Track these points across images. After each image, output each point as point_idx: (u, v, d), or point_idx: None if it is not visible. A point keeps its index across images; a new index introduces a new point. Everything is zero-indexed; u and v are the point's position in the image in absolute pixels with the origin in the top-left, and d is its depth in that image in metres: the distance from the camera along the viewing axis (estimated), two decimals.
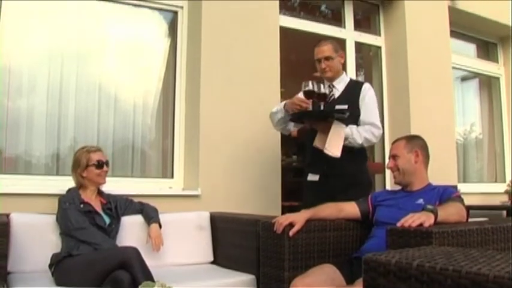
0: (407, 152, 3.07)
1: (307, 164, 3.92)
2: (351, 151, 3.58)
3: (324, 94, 3.54)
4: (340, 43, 5.60)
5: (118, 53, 4.52)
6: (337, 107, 3.66)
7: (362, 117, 3.69)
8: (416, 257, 1.28)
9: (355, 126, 3.62)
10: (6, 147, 3.99)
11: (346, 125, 3.56)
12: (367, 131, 3.63)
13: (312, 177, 3.77)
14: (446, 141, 5.84)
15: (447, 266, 1.16)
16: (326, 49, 3.77)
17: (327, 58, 3.76)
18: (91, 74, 4.36)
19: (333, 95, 3.79)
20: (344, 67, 4.10)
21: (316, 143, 3.61)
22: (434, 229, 2.30)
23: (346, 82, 3.86)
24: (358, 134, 3.59)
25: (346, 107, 3.60)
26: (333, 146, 3.48)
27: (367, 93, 3.77)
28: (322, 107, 3.56)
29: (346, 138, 3.54)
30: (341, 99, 3.75)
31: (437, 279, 1.16)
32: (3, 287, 2.77)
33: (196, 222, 3.93)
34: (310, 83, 3.50)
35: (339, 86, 3.83)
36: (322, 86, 3.54)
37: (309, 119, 3.68)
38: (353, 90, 3.79)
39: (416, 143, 3.13)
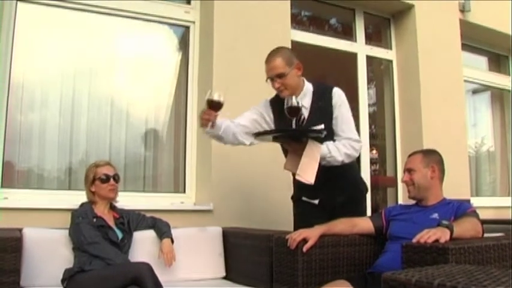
0: (423, 167, 3.03)
1: (296, 186, 3.53)
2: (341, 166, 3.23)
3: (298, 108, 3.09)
4: (352, 57, 5.62)
5: (130, 68, 4.54)
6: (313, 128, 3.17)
7: (337, 130, 3.24)
8: (437, 276, 1.26)
9: (331, 142, 3.18)
10: (18, 162, 4.01)
11: (322, 141, 3.12)
12: (346, 146, 3.19)
13: (309, 199, 3.47)
14: (459, 155, 5.81)
15: (469, 286, 1.14)
16: (277, 64, 3.19)
17: (280, 75, 3.18)
18: (103, 88, 4.39)
19: (301, 115, 3.24)
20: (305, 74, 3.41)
21: (287, 166, 3.25)
22: (451, 245, 2.28)
23: (311, 92, 3.32)
24: (337, 151, 3.15)
25: (322, 127, 3.09)
26: (307, 172, 3.05)
27: (340, 101, 3.28)
28: (294, 125, 3.12)
29: (323, 158, 3.10)
30: (312, 117, 3.26)
31: None
32: None
33: (195, 242, 3.88)
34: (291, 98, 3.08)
35: (305, 101, 3.27)
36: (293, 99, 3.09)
37: (279, 138, 3.26)
38: (322, 100, 3.28)
39: (433, 158, 3.08)
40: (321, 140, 3.10)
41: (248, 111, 3.46)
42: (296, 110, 3.06)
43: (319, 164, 3.07)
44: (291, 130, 3.14)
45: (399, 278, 1.29)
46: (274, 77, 3.19)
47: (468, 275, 1.26)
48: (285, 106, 3.07)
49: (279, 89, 3.22)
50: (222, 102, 3.10)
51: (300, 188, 3.44)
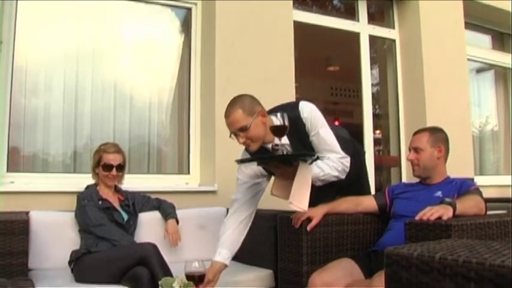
0: (430, 146, 2.99)
1: None
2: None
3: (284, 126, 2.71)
4: (354, 37, 5.61)
5: (132, 51, 4.55)
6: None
7: (321, 151, 2.96)
8: (438, 249, 1.28)
9: (319, 161, 2.93)
10: (23, 146, 4.04)
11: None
12: (337, 162, 2.95)
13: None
14: (463, 134, 5.80)
15: (470, 259, 1.15)
16: (237, 117, 2.78)
17: (242, 129, 2.78)
18: (106, 72, 4.40)
19: (286, 153, 2.94)
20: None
21: (275, 191, 2.88)
22: (453, 222, 2.30)
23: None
24: (329, 168, 2.91)
25: (314, 157, 2.84)
26: (300, 200, 2.73)
27: (309, 123, 2.94)
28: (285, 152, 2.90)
29: (317, 178, 2.87)
30: (298, 149, 2.97)
31: (460, 272, 1.16)
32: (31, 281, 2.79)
33: (201, 220, 3.92)
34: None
35: (283, 139, 2.84)
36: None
37: (267, 163, 2.90)
38: (297, 130, 2.92)
39: (440, 137, 3.05)
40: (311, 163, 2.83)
41: (239, 187, 3.17)
42: (282, 129, 2.72)
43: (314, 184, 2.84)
44: (278, 156, 2.84)
45: (401, 252, 1.30)
46: (237, 131, 2.80)
47: (470, 249, 1.28)
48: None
49: (245, 144, 2.86)
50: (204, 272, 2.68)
51: None
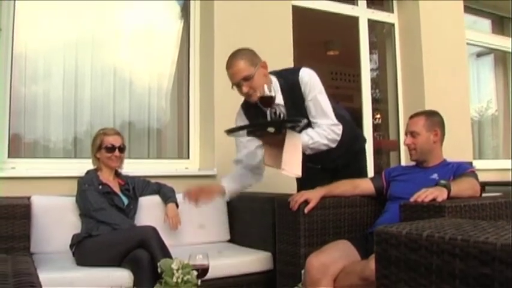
0: (426, 131, 3.01)
1: None
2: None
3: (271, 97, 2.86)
4: (354, 21, 5.61)
5: (132, 37, 4.56)
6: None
7: (313, 117, 3.03)
8: (427, 228, 1.32)
9: (310, 129, 2.98)
10: (24, 133, 4.07)
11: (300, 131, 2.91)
12: (327, 131, 3.00)
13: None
14: (462, 118, 5.81)
15: (456, 236, 1.19)
16: (241, 67, 2.91)
17: (246, 78, 2.90)
18: (106, 58, 4.41)
19: (279, 114, 3.08)
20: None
21: (268, 161, 2.94)
22: (447, 203, 2.34)
23: (280, 87, 3.06)
24: (319, 136, 2.97)
25: (306, 121, 2.85)
26: (292, 165, 2.80)
27: (308, 86, 3.02)
28: (269, 117, 2.96)
29: (307, 146, 2.93)
30: (291, 114, 3.04)
31: (446, 249, 1.19)
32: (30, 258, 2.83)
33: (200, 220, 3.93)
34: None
35: (277, 99, 3.01)
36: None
37: (255, 133, 2.92)
38: (293, 92, 3.03)
39: (436, 121, 3.06)
40: (300, 131, 2.90)
41: (239, 146, 3.28)
42: (269, 100, 2.85)
43: (304, 153, 2.90)
44: (266, 123, 2.89)
45: (391, 231, 1.34)
46: (240, 81, 2.91)
47: (457, 227, 1.31)
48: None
49: (248, 94, 2.95)
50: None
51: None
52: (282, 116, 3.08)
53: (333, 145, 3.05)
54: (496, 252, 1.10)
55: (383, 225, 1.47)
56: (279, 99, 3.03)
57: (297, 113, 2.98)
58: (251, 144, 3.16)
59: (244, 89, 2.93)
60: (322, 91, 3.07)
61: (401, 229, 1.32)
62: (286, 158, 2.79)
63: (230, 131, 2.89)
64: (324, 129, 3.00)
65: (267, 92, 2.81)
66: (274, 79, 3.06)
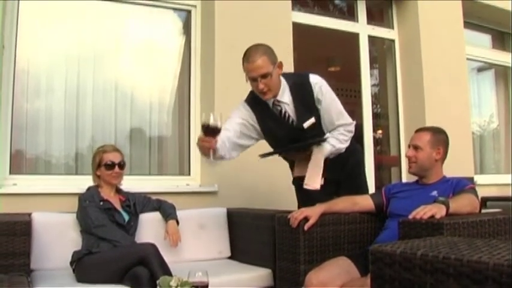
0: (430, 147, 2.99)
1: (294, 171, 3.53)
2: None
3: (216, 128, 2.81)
4: (354, 37, 5.64)
5: (133, 52, 4.59)
6: (305, 125, 3.14)
7: (330, 120, 3.17)
8: (421, 247, 1.32)
9: (329, 137, 3.16)
10: (26, 148, 4.09)
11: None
12: (344, 134, 3.20)
13: None
14: (462, 133, 5.82)
15: (449, 255, 1.20)
16: (261, 64, 2.93)
17: (265, 76, 2.95)
18: (107, 73, 4.44)
19: (285, 112, 3.18)
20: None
21: (297, 173, 3.31)
22: (445, 220, 2.34)
23: (289, 88, 3.16)
24: (339, 142, 3.18)
25: (313, 120, 3.11)
26: (314, 180, 3.11)
27: (321, 91, 3.13)
28: (282, 119, 3.17)
29: (330, 154, 3.17)
30: (298, 113, 3.15)
31: (440, 268, 1.20)
32: (28, 279, 2.84)
33: (202, 221, 3.95)
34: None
35: (284, 98, 3.15)
36: None
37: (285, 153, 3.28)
38: (303, 93, 3.14)
39: (441, 139, 3.05)
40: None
41: (230, 118, 3.24)
42: (214, 130, 2.79)
43: (328, 158, 3.15)
44: (296, 147, 3.14)
45: (385, 250, 1.35)
46: (258, 77, 2.94)
47: (451, 246, 1.32)
48: (201, 123, 2.82)
49: (262, 91, 3.00)
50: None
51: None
52: (286, 115, 3.17)
53: (349, 143, 3.25)
54: (488, 272, 1.11)
55: (379, 244, 1.48)
56: (286, 99, 3.13)
57: (306, 113, 3.13)
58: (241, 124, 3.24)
59: (260, 85, 2.96)
60: (333, 94, 3.20)
61: (395, 248, 1.33)
62: (309, 174, 3.07)
63: (264, 156, 3.17)
64: (341, 132, 3.17)
65: (211, 122, 2.75)
66: (283, 79, 3.15)
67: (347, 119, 3.21)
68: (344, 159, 3.32)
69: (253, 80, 2.99)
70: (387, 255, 1.34)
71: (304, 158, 3.13)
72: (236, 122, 3.24)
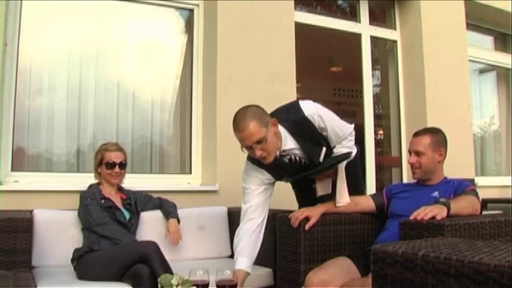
0: (432, 151, 2.99)
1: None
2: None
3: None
4: (356, 38, 5.64)
5: (135, 51, 4.60)
6: (321, 159, 3.02)
7: (337, 138, 3.02)
8: (423, 247, 1.33)
9: (341, 146, 3.04)
10: (28, 146, 4.09)
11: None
12: (350, 140, 3.10)
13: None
14: (463, 135, 5.81)
15: (451, 256, 1.20)
16: (253, 130, 2.66)
17: (259, 141, 2.69)
18: (109, 72, 4.45)
19: (295, 157, 3.00)
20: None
21: (320, 192, 3.17)
22: (446, 222, 2.34)
23: (289, 134, 2.93)
24: (349, 150, 3.08)
25: (324, 150, 3.01)
26: (344, 196, 3.07)
27: (318, 119, 2.92)
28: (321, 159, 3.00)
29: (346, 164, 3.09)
30: (307, 150, 2.99)
31: (441, 268, 1.21)
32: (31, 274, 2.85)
33: (203, 219, 3.97)
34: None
35: (288, 145, 2.93)
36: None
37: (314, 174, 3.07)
38: (304, 132, 2.94)
39: (441, 140, 3.05)
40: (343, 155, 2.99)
41: (249, 193, 3.06)
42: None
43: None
44: (324, 167, 2.98)
45: (387, 250, 1.35)
46: (253, 144, 2.69)
47: (453, 247, 1.32)
48: None
49: (262, 157, 2.74)
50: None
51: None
52: (298, 158, 3.01)
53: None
54: (489, 273, 1.11)
55: (380, 243, 1.48)
56: (291, 145, 2.93)
57: (314, 145, 2.98)
58: (258, 188, 3.05)
59: (258, 152, 2.71)
60: (329, 112, 3.02)
61: (397, 248, 1.33)
62: (339, 192, 3.05)
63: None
64: (349, 139, 3.09)
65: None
66: (281, 127, 2.88)
67: (348, 127, 3.09)
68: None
69: (248, 148, 2.76)
70: (389, 255, 1.34)
71: (326, 174, 3.08)
72: (256, 193, 3.04)
